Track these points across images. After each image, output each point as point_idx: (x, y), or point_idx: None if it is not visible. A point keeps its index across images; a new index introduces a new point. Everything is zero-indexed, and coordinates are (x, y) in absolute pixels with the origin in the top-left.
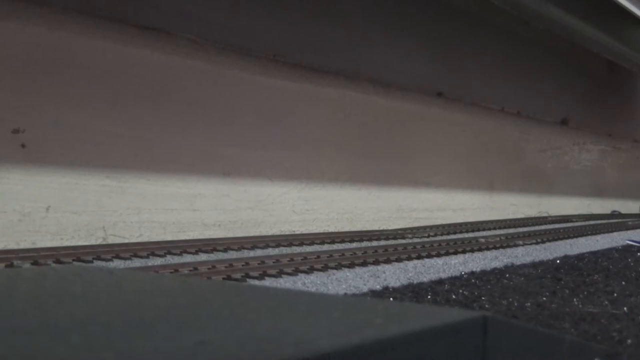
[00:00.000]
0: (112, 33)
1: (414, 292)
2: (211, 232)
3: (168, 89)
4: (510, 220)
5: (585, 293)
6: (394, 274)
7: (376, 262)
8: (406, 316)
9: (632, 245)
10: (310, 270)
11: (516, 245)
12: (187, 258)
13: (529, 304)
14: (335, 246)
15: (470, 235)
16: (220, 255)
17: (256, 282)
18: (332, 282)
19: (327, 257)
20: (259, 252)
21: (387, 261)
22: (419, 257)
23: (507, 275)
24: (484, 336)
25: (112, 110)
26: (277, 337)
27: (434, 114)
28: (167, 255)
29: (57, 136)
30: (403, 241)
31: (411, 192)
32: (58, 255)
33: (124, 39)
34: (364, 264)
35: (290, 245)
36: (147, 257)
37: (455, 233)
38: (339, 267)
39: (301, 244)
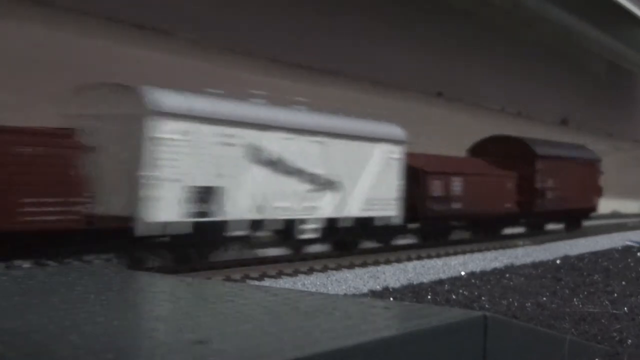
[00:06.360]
0: (112, 33)
1: (414, 292)
2: None
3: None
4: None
5: (586, 293)
6: (394, 275)
7: (376, 263)
8: (406, 316)
9: (632, 246)
10: (310, 271)
11: (516, 246)
12: None
13: (529, 304)
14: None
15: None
16: (220, 255)
17: (256, 283)
18: (331, 284)
19: (326, 257)
20: (258, 253)
21: (387, 262)
22: (418, 258)
23: (507, 276)
24: (484, 336)
25: None
26: (277, 337)
27: (434, 114)
28: None
29: None
30: (403, 242)
31: None
32: None
33: (124, 39)
34: (364, 264)
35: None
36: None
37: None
38: (338, 268)
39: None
